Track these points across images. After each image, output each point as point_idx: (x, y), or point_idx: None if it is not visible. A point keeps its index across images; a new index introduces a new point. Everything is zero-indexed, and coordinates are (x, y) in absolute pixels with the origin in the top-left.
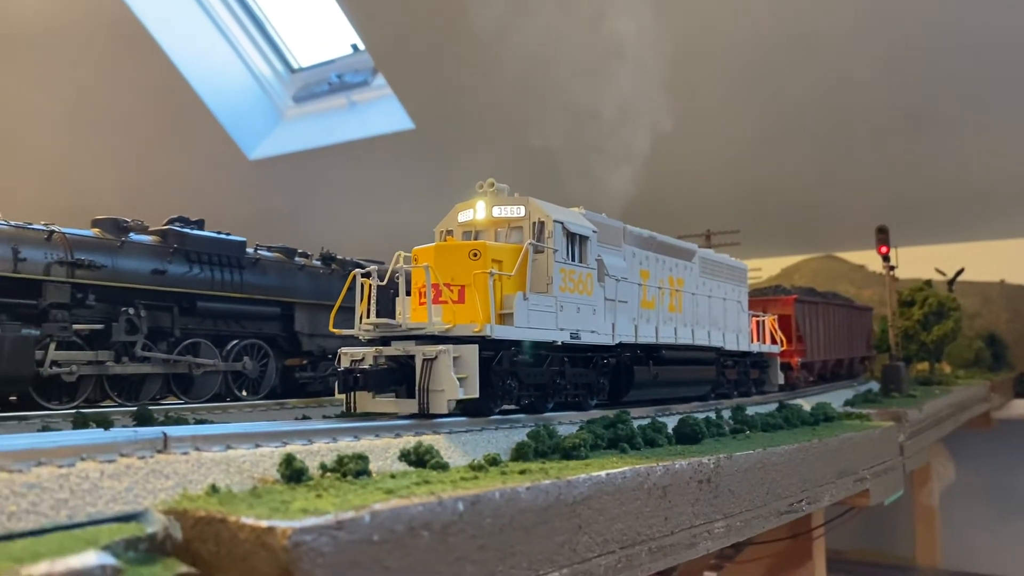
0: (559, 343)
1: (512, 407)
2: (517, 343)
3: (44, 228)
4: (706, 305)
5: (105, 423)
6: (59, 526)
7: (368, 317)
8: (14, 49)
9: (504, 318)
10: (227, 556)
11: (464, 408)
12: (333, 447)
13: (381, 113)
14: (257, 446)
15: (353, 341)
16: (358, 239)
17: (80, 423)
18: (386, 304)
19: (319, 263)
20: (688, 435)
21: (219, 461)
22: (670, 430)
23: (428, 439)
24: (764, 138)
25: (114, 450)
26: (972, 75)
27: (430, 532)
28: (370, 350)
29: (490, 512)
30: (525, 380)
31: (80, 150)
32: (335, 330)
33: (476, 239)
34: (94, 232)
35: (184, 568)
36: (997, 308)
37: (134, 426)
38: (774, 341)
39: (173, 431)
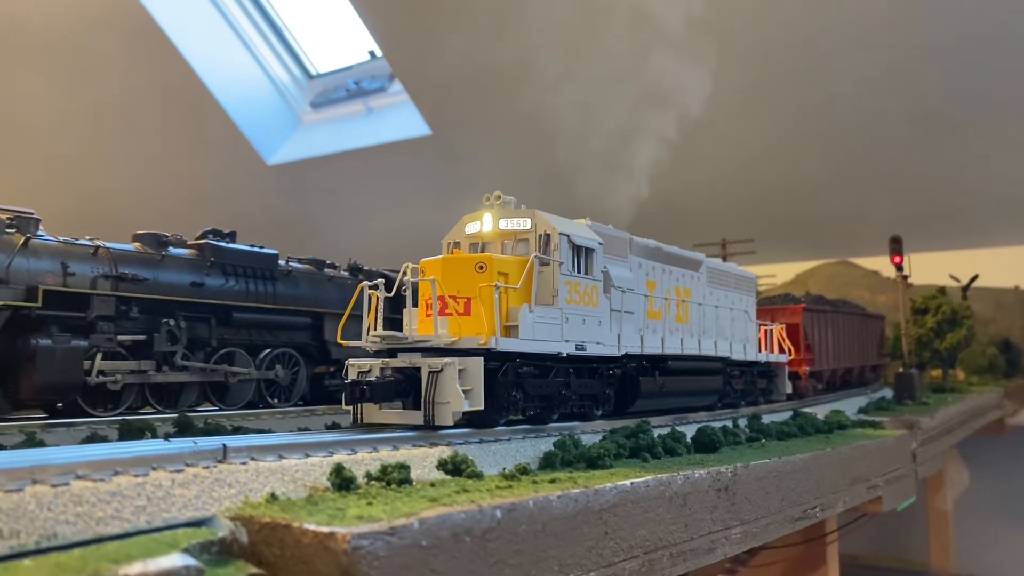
0: (564, 355)
1: (517, 418)
2: (523, 355)
3: (90, 243)
4: (713, 315)
5: (149, 430)
6: (140, 530)
7: (375, 329)
8: (35, 54)
9: (509, 330)
10: (291, 559)
11: (469, 419)
12: (375, 456)
13: (398, 119)
14: (307, 456)
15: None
16: (374, 244)
17: (126, 431)
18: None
19: (347, 274)
20: (706, 444)
21: (274, 470)
22: (689, 439)
23: (463, 449)
24: (778, 145)
25: (180, 460)
26: (986, 81)
27: (472, 538)
28: (377, 362)
29: (525, 519)
30: (530, 391)
31: (101, 154)
32: (343, 342)
33: (483, 251)
34: (135, 246)
35: (253, 569)
36: (1011, 314)
37: (175, 433)
38: (782, 350)
39: (231, 442)
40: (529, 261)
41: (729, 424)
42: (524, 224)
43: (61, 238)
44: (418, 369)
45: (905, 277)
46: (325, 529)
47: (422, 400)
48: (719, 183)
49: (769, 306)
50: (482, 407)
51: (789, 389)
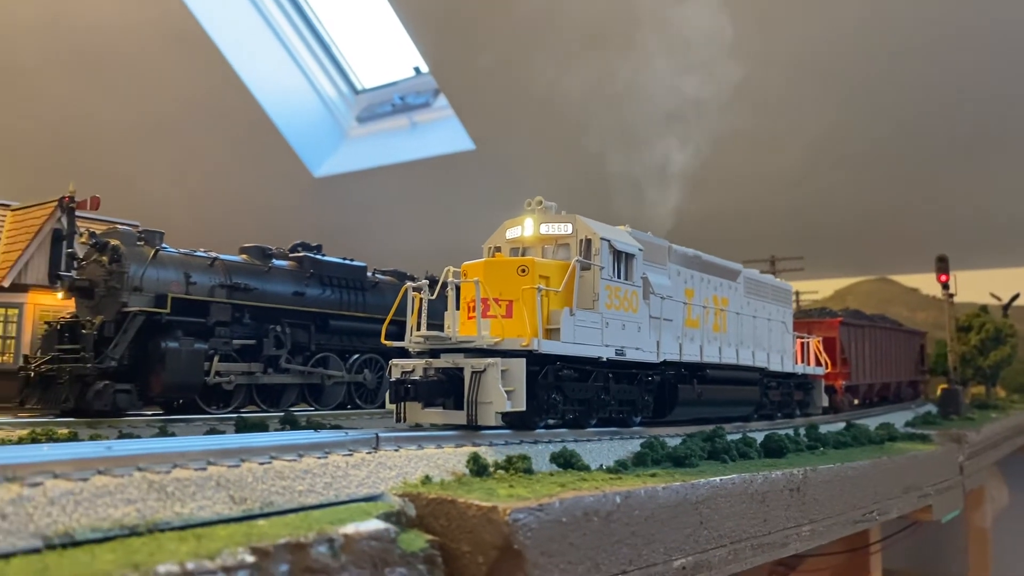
0: (604, 359)
1: (556, 421)
2: (563, 358)
3: (206, 255)
4: (751, 325)
5: (263, 427)
6: (331, 502)
7: (419, 330)
8: (93, 69)
9: (551, 333)
10: (457, 529)
11: (510, 421)
12: (499, 449)
13: (442, 134)
14: (440, 446)
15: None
16: (418, 256)
17: (242, 427)
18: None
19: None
20: (774, 449)
21: (421, 457)
22: (758, 445)
23: (569, 446)
24: (820, 161)
25: (343, 446)
26: None
27: (598, 518)
28: (420, 362)
29: (638, 505)
30: (570, 395)
31: (156, 166)
32: (387, 342)
33: (524, 256)
34: (243, 258)
35: (428, 537)
36: None
37: (282, 428)
38: (818, 363)
39: (383, 433)
40: (571, 265)
41: (791, 432)
42: (565, 229)
43: (182, 250)
44: (461, 369)
45: (951, 296)
46: (487, 504)
47: (465, 400)
48: (760, 199)
49: (806, 319)
50: (524, 408)
51: (825, 402)
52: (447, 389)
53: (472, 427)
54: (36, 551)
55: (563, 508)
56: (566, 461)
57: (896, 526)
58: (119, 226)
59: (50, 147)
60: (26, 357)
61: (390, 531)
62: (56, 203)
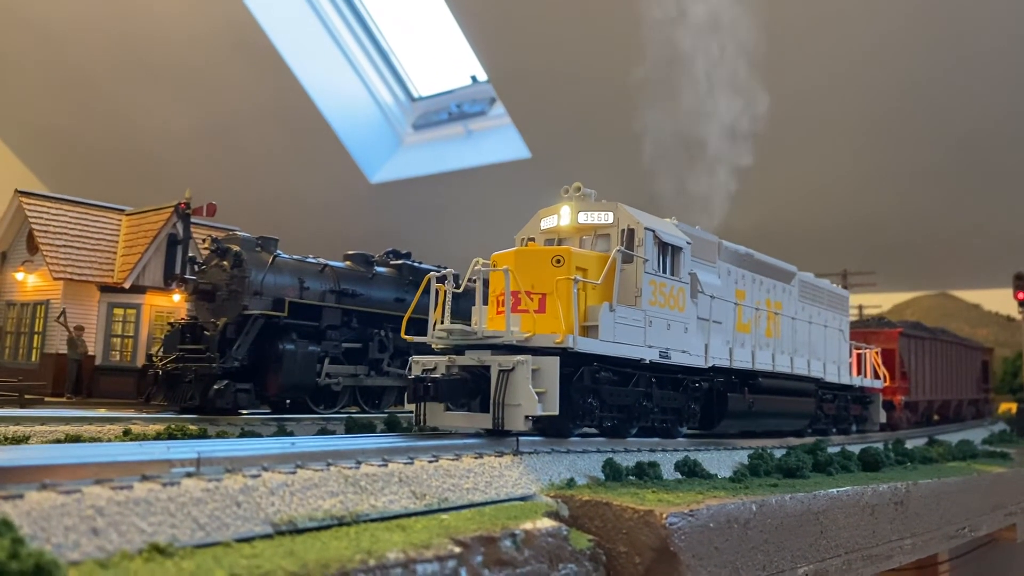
0: (647, 361)
1: (591, 429)
2: (601, 358)
3: (316, 261)
4: (805, 331)
5: (371, 427)
6: (493, 500)
7: (442, 323)
8: (158, 73)
9: (588, 330)
10: (612, 530)
11: (541, 428)
12: (625, 456)
13: (498, 142)
14: (569, 451)
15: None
16: (469, 262)
17: (352, 426)
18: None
19: None
20: (870, 463)
21: (560, 461)
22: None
23: (692, 455)
24: (884, 173)
25: (490, 447)
26: None
27: (738, 525)
28: (442, 359)
29: (770, 513)
30: (608, 400)
31: (220, 169)
32: (407, 337)
33: (559, 246)
34: (347, 264)
35: (588, 536)
36: None
37: (384, 430)
38: (877, 376)
39: (523, 437)
40: (611, 256)
41: (881, 447)
42: (606, 218)
43: (295, 256)
44: (487, 368)
45: None
46: (643, 508)
47: (491, 401)
48: (821, 210)
49: (863, 328)
50: (556, 412)
51: (883, 419)
52: (472, 389)
53: (498, 432)
54: (268, 536)
55: (710, 514)
56: (690, 469)
57: (967, 546)
58: (237, 232)
59: (121, 151)
60: (150, 356)
61: (562, 529)
62: (172, 209)
